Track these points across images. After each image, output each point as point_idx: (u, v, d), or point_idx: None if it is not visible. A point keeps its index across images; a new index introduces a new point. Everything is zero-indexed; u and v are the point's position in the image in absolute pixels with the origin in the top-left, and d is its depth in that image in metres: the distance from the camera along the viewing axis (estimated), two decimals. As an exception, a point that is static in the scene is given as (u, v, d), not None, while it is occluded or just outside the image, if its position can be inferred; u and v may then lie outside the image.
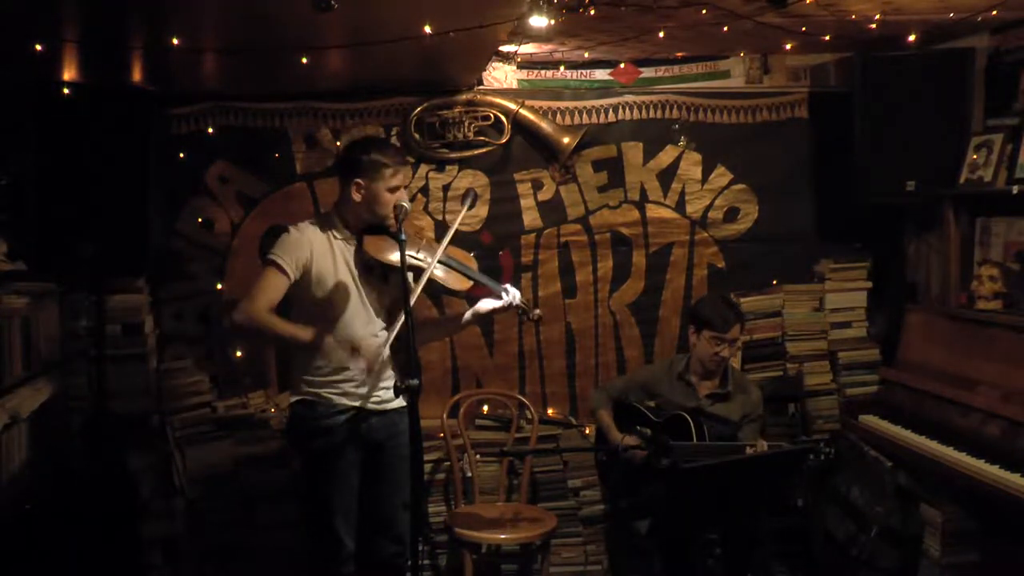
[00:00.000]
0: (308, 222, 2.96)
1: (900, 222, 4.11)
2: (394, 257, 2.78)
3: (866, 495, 3.55)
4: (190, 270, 3.88)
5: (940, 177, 3.65)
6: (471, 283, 2.97)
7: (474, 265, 3.08)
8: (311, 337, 2.83)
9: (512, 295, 2.94)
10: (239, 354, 3.90)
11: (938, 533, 3.45)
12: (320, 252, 2.87)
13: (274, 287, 2.81)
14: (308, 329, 2.84)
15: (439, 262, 2.90)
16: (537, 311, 3.00)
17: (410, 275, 2.75)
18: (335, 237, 2.92)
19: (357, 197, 2.88)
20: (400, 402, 2.94)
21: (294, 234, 2.89)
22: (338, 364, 2.87)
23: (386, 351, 2.84)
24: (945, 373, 3.44)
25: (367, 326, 2.92)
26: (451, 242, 3.02)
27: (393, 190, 2.87)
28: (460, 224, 3.91)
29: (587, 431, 4.01)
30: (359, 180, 2.86)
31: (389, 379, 2.97)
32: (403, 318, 2.63)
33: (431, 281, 2.86)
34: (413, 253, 2.88)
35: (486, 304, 2.98)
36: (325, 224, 2.94)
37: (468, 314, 3.06)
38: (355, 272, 2.91)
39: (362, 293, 2.92)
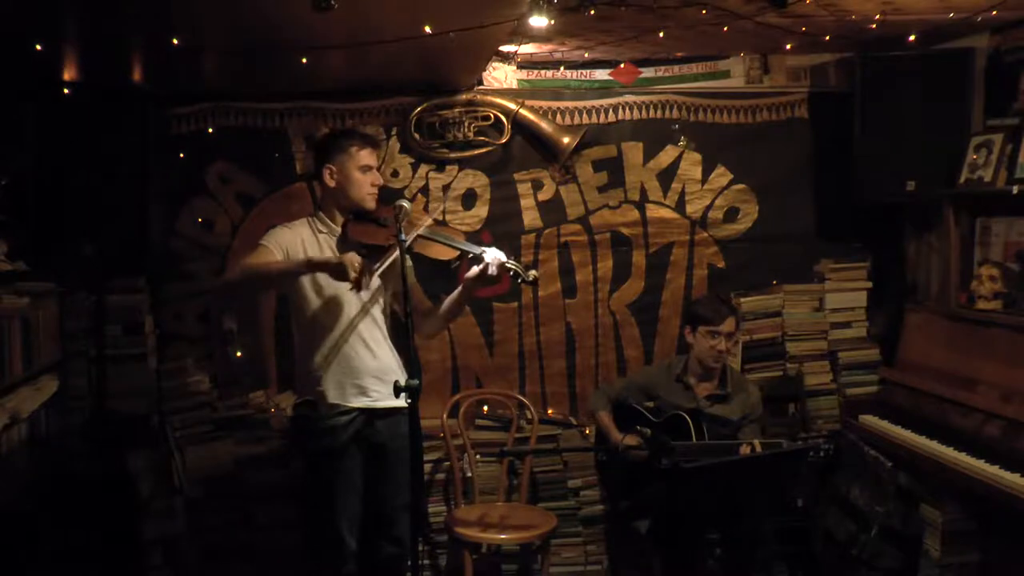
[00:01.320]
0: (296, 221, 3.03)
1: (900, 222, 4.11)
2: (378, 240, 2.84)
3: (866, 495, 3.55)
4: (190, 270, 3.88)
5: (940, 177, 3.65)
6: (456, 252, 2.97)
7: (460, 236, 3.07)
8: (302, 261, 2.81)
9: (492, 256, 2.85)
10: (239, 354, 3.90)
11: (938, 533, 3.45)
12: (308, 244, 2.94)
13: (262, 255, 2.86)
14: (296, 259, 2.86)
15: (421, 236, 2.92)
16: (532, 272, 2.92)
17: (396, 254, 2.72)
18: (320, 231, 2.98)
19: (331, 183, 2.93)
20: (403, 402, 2.95)
21: (282, 228, 2.98)
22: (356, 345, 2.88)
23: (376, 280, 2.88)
24: (945, 373, 3.44)
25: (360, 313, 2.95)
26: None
27: (364, 170, 2.92)
28: (463, 224, 3.97)
29: (587, 431, 4.01)
30: (330, 165, 2.93)
31: (392, 378, 2.97)
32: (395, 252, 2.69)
33: (417, 254, 2.88)
34: (394, 234, 2.84)
35: (473, 270, 2.89)
36: (311, 220, 3.02)
37: (459, 289, 2.98)
38: None
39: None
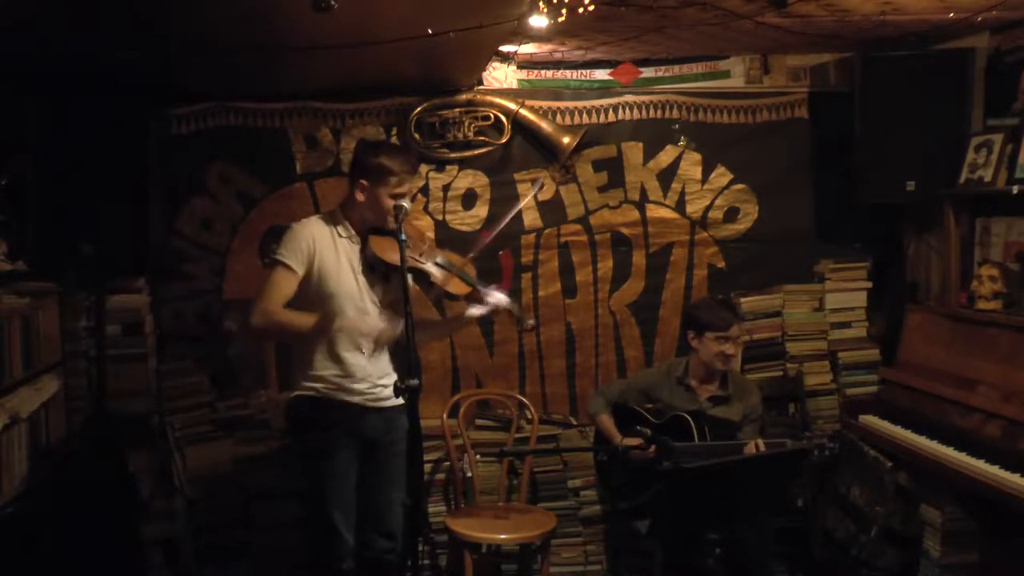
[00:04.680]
0: (313, 217, 3.00)
1: (900, 222, 4.12)
2: (398, 258, 2.81)
3: (866, 495, 3.55)
4: (190, 270, 3.88)
5: (940, 177, 3.65)
6: (470, 288, 3.00)
7: (472, 272, 3.11)
8: (327, 321, 2.83)
9: (499, 300, 2.96)
10: (238, 354, 3.89)
11: (938, 533, 3.45)
12: (324, 246, 2.91)
13: (284, 284, 2.85)
14: (322, 316, 2.85)
15: (439, 265, 2.95)
16: (530, 321, 3.05)
17: (410, 276, 2.76)
18: (339, 235, 2.95)
19: (360, 197, 2.92)
20: (399, 399, 2.96)
21: (296, 229, 2.93)
22: (348, 343, 2.91)
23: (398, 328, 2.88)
24: (945, 373, 3.44)
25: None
26: (450, 248, 3.07)
27: (396, 197, 2.90)
28: (463, 224, 3.96)
29: (587, 431, 4.00)
30: (364, 181, 2.90)
31: (388, 377, 3.00)
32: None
33: (431, 285, 2.91)
34: (416, 256, 2.91)
35: (476, 310, 2.99)
36: (330, 221, 2.98)
37: (459, 318, 3.09)
38: (357, 269, 2.95)
39: (363, 290, 2.95)
